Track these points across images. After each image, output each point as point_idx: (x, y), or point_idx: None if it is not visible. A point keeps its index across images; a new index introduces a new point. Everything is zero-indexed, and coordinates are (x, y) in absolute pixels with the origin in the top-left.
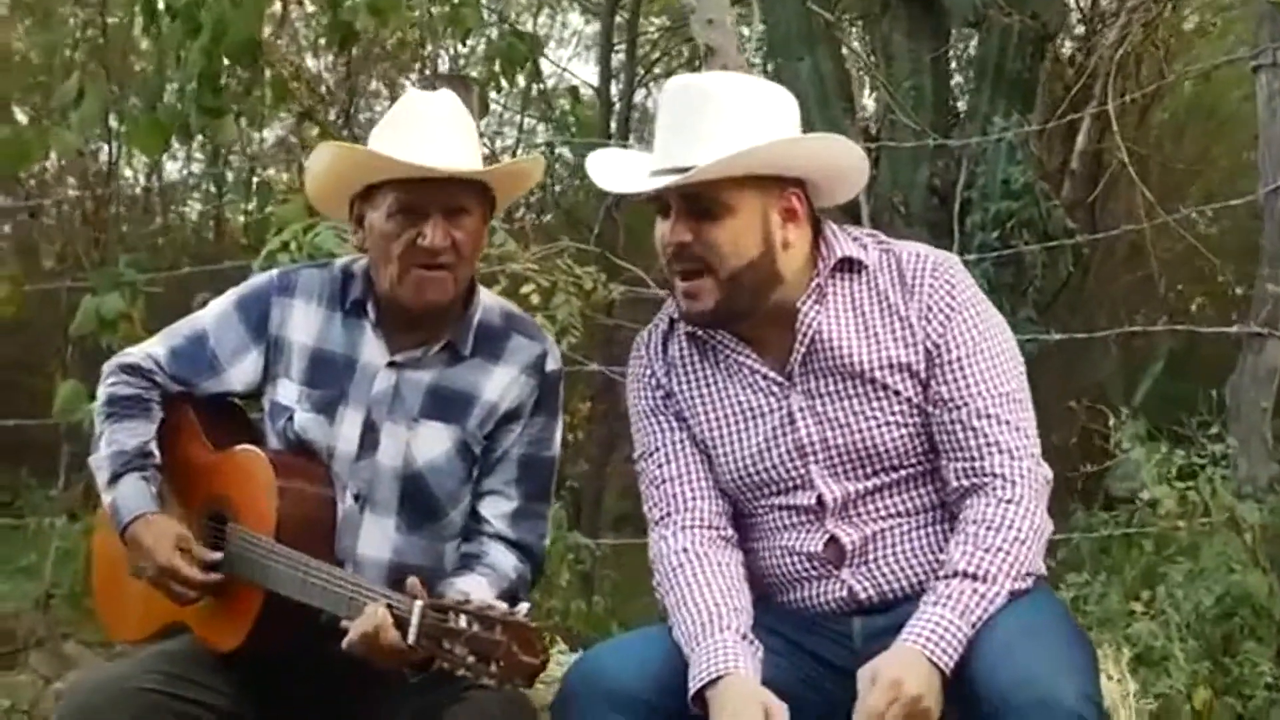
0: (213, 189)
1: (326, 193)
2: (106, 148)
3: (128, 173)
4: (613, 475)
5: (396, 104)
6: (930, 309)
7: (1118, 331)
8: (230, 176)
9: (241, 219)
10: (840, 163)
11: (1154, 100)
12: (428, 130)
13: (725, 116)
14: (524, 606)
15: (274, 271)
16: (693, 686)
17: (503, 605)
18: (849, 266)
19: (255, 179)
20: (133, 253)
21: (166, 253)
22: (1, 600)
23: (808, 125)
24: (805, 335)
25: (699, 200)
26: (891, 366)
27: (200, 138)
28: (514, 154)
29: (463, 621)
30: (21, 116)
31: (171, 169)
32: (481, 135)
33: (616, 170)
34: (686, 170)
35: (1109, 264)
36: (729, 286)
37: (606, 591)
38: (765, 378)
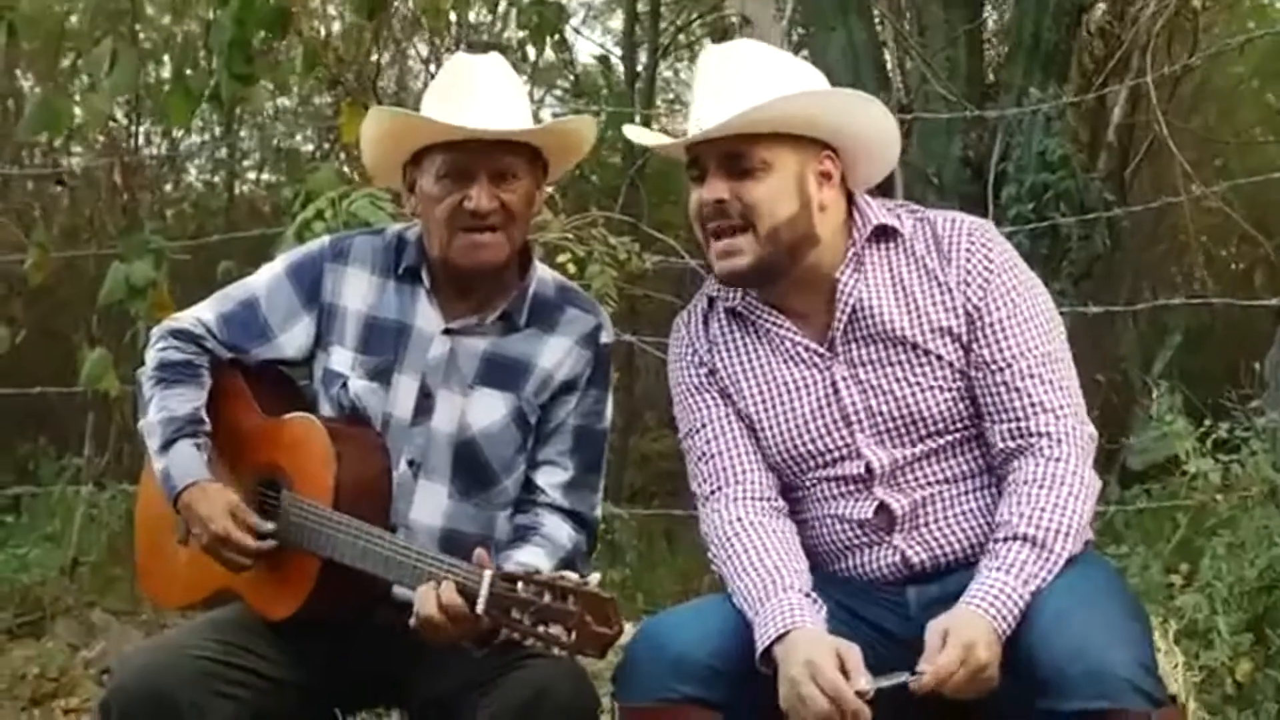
0: (224, 157)
1: (381, 160)
2: (132, 116)
3: (139, 141)
4: (634, 448)
5: (444, 68)
6: (969, 273)
7: (1153, 305)
8: (245, 145)
9: (247, 189)
10: (873, 124)
11: (1185, 72)
12: (475, 93)
13: (758, 78)
14: (595, 577)
15: (326, 238)
16: (760, 644)
17: (574, 576)
18: (884, 235)
19: (279, 147)
20: (153, 220)
21: (180, 222)
22: (28, 568)
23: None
24: (846, 305)
25: (737, 159)
26: (933, 332)
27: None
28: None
29: (533, 592)
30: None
31: (181, 137)
32: None
33: (657, 135)
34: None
35: (1138, 237)
36: (767, 244)
37: (629, 563)
38: (807, 349)
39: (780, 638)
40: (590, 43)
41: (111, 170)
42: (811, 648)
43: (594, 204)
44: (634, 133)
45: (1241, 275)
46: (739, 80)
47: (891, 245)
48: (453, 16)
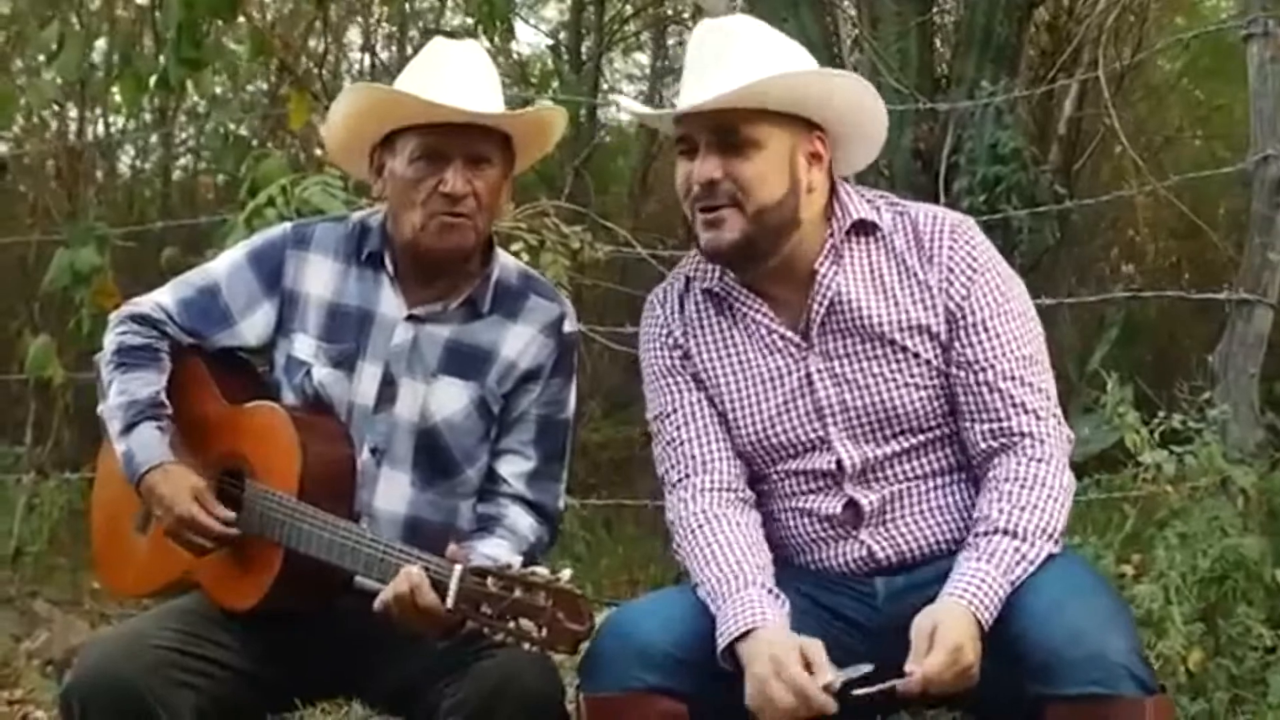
0: (153, 142)
1: (350, 140)
2: (75, 101)
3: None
4: (578, 438)
5: (422, 51)
6: (952, 271)
7: (1101, 298)
8: (182, 132)
9: (183, 176)
10: (865, 106)
11: (1136, 67)
12: (453, 76)
13: (751, 52)
14: (566, 573)
15: (288, 225)
16: (721, 642)
17: (545, 571)
18: (863, 229)
19: (225, 134)
20: (93, 208)
21: (117, 209)
22: None
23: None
24: (824, 296)
25: (728, 134)
26: (911, 329)
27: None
28: None
29: (503, 586)
30: None
31: (115, 123)
32: None
33: (651, 107)
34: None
35: (1088, 230)
36: (754, 221)
37: (578, 554)
38: (783, 338)
39: (743, 636)
40: (534, 31)
41: (52, 156)
42: (775, 645)
43: (541, 193)
44: (627, 104)
45: (1169, 269)
46: (733, 55)
47: (870, 239)
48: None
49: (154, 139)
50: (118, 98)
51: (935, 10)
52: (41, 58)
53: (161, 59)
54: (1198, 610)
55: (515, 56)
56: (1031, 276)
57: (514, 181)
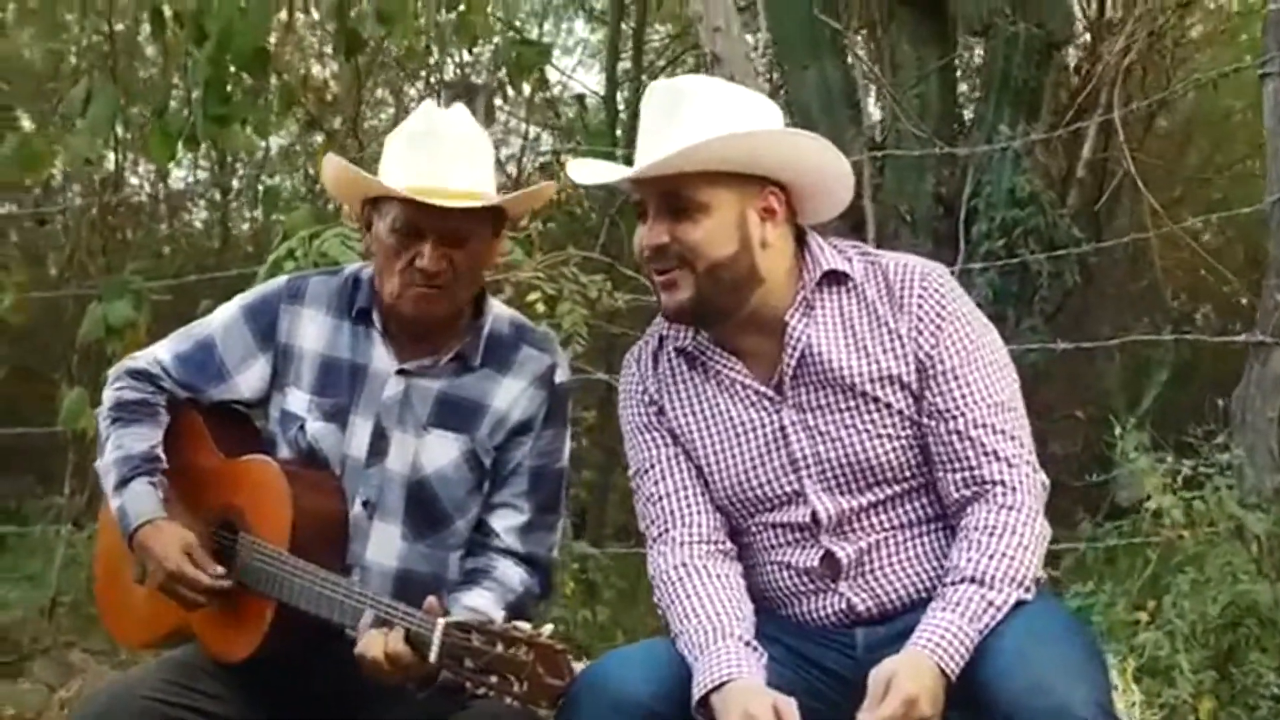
0: (218, 197)
1: (339, 196)
2: (113, 155)
3: (134, 180)
4: (615, 485)
5: (411, 116)
6: (921, 320)
7: (1122, 340)
8: (236, 184)
9: (246, 227)
10: (818, 160)
11: (1160, 108)
12: (438, 151)
13: (700, 113)
14: (548, 628)
15: (283, 279)
16: (696, 694)
17: (527, 626)
18: (835, 279)
19: (261, 186)
20: (138, 260)
21: (173, 261)
22: (7, 608)
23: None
24: (795, 349)
25: (675, 199)
26: (883, 379)
27: (205, 145)
28: (519, 161)
29: (485, 641)
30: (28, 124)
31: (178, 176)
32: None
33: (595, 171)
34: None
35: (1114, 273)
36: (706, 279)
37: (608, 601)
38: (756, 392)
39: (718, 688)
40: (577, 82)
41: (91, 209)
42: (748, 699)
43: (573, 242)
44: (574, 168)
45: (1225, 309)
46: (681, 118)
47: (842, 289)
48: (434, 56)
49: (205, 191)
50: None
51: (956, 54)
52: (72, 115)
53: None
54: (1209, 658)
55: (558, 105)
56: (1062, 318)
57: (546, 229)
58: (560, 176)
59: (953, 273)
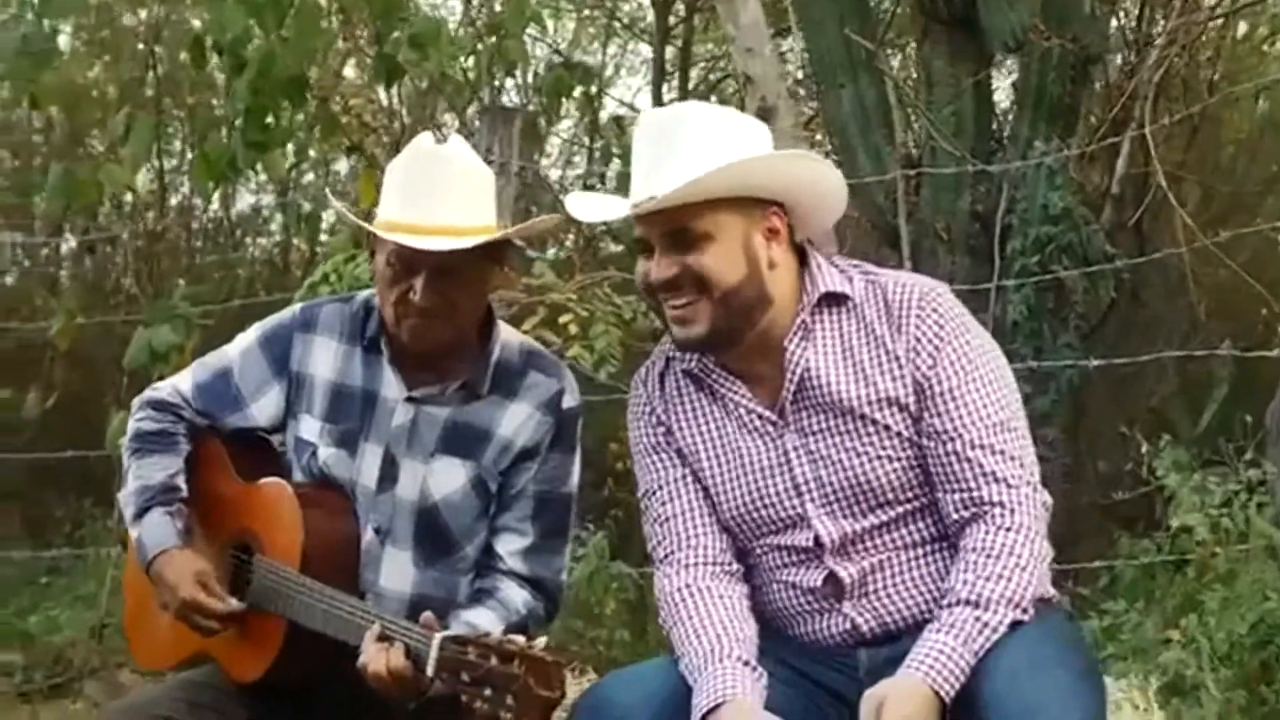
0: (278, 222)
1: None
2: (158, 182)
3: (196, 205)
4: None
5: (405, 150)
6: (919, 340)
7: (1154, 356)
8: (300, 209)
9: (300, 253)
10: (811, 179)
11: (1203, 120)
12: (430, 186)
13: (694, 142)
14: (541, 640)
15: (298, 306)
16: (695, 715)
17: (520, 639)
18: (834, 300)
19: (298, 212)
20: (197, 285)
21: (228, 285)
22: (59, 629)
23: (849, 152)
24: (794, 373)
25: (680, 233)
26: (882, 401)
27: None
28: (584, 181)
29: (479, 654)
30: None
31: (247, 200)
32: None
33: (595, 205)
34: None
35: (1156, 289)
36: (720, 308)
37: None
38: (760, 417)
39: (714, 709)
40: (622, 104)
41: (140, 236)
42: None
43: (614, 262)
44: (573, 203)
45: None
46: (675, 148)
47: (841, 310)
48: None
49: (269, 216)
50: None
51: (990, 70)
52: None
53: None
54: (1238, 677)
55: (598, 128)
56: (1100, 334)
57: (587, 251)
58: None
59: (988, 289)
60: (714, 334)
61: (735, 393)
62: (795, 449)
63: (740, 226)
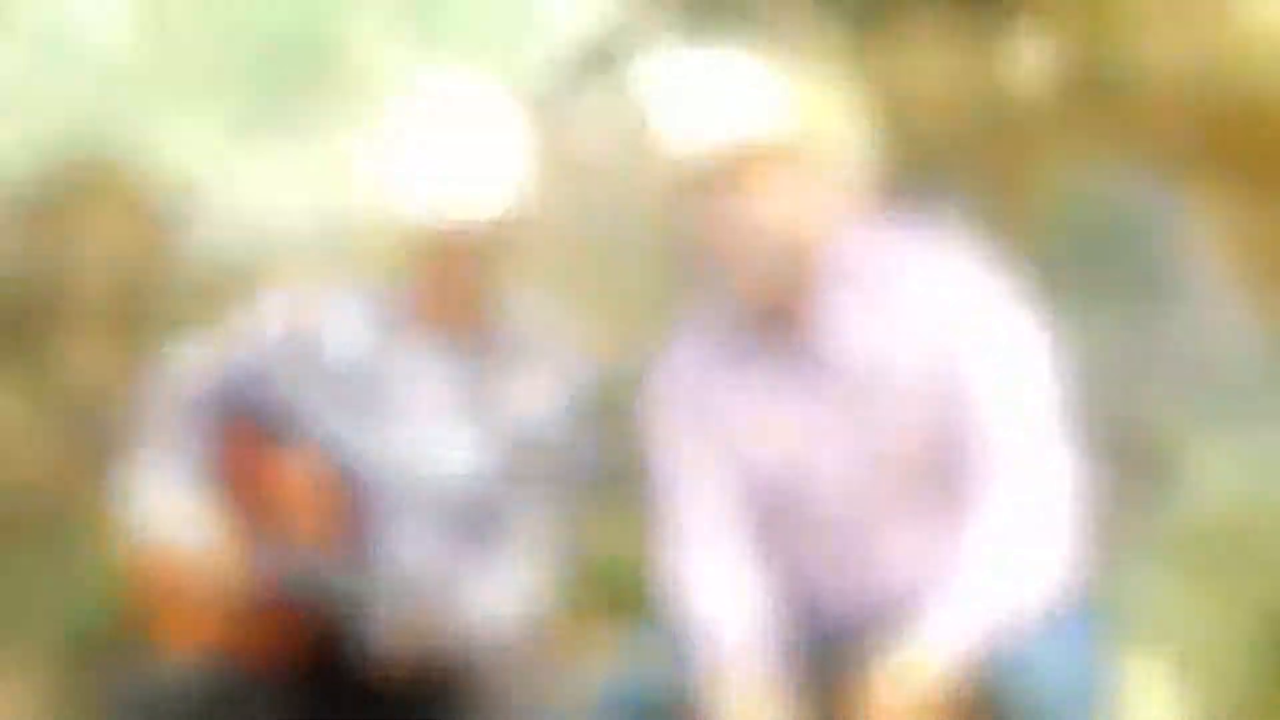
0: None
1: None
2: None
3: None
4: None
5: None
6: (937, 306)
7: None
8: None
9: None
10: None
11: None
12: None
13: (748, 95)
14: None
15: None
16: (696, 694)
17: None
18: (859, 267)
19: None
20: None
21: None
22: None
23: None
24: (815, 342)
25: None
26: (899, 369)
27: None
28: None
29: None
30: None
31: None
32: None
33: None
34: None
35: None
36: (768, 268)
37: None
38: (779, 388)
39: (716, 687)
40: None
41: None
42: (745, 698)
43: None
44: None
45: None
46: (732, 97)
47: (862, 279)
48: None
49: None
50: None
51: None
52: None
53: None
54: (1271, 649)
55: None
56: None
57: None
58: None
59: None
60: (759, 293)
61: (756, 362)
62: (813, 419)
63: (791, 179)
